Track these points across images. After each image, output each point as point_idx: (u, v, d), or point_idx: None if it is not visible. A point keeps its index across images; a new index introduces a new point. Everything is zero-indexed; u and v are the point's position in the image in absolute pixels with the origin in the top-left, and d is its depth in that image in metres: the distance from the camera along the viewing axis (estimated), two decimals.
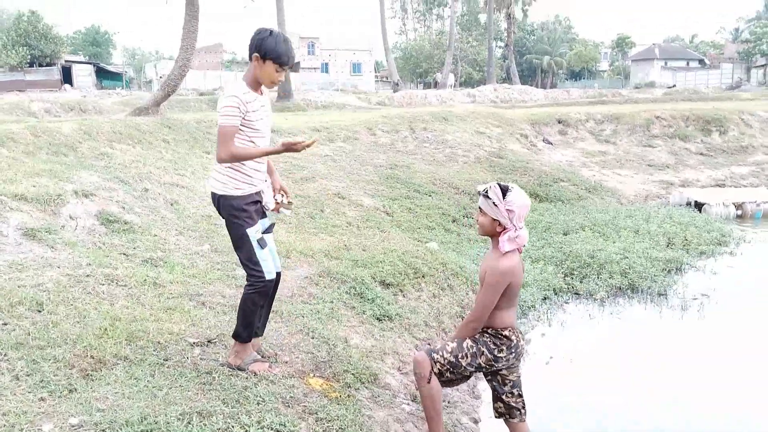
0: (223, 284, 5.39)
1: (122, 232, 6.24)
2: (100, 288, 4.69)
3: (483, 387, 4.82)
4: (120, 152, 8.78)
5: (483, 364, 3.45)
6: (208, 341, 4.12)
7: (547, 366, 5.62)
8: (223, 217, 3.65)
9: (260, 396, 3.42)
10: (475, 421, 4.42)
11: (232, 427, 3.06)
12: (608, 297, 7.33)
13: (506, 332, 3.44)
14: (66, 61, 49.06)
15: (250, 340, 3.80)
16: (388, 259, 6.55)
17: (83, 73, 49.60)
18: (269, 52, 3.47)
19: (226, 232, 3.74)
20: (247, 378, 3.64)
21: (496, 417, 3.63)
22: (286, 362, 4.06)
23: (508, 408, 3.53)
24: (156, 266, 5.53)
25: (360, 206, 9.41)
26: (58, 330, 3.88)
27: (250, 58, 3.54)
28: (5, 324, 3.87)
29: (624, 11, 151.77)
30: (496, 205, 3.34)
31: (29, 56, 44.77)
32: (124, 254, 5.68)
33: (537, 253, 8.44)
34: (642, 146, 16.62)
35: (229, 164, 3.53)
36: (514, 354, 3.46)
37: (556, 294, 7.32)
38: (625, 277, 7.64)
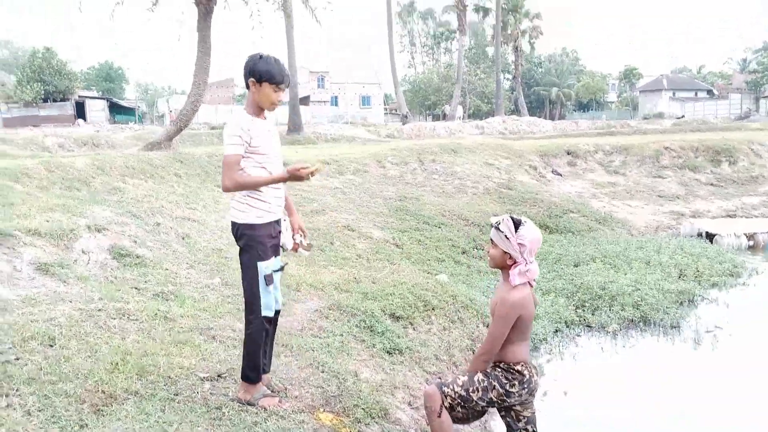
0: (234, 318, 5.40)
1: (134, 266, 6.28)
2: (111, 322, 4.71)
3: (495, 424, 4.77)
4: (132, 187, 8.87)
5: (495, 399, 3.42)
6: (219, 376, 4.12)
7: (559, 400, 5.55)
8: (239, 246, 3.68)
9: (270, 431, 3.40)
10: None
11: None
12: (620, 329, 7.27)
13: (518, 367, 3.42)
14: (79, 96, 49.84)
15: (259, 381, 3.81)
16: (397, 292, 6.54)
17: (96, 108, 50.36)
18: (263, 74, 3.56)
19: (236, 266, 3.78)
20: (257, 413, 3.63)
21: None
22: (296, 397, 4.04)
23: None
24: (167, 300, 5.55)
25: (370, 238, 9.43)
26: (69, 365, 3.89)
27: (247, 86, 3.62)
28: (17, 359, 3.88)
29: (631, 43, 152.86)
30: (507, 239, 3.36)
31: (43, 92, 45.53)
32: (136, 288, 5.71)
33: (548, 285, 8.40)
34: (652, 177, 16.62)
35: (247, 193, 3.58)
36: (527, 389, 3.44)
37: (567, 326, 7.27)
38: (637, 309, 7.58)
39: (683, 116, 50.43)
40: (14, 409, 3.32)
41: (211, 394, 3.85)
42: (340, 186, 12.22)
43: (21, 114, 44.33)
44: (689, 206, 14.85)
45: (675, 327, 7.31)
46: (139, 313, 4.97)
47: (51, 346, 4.15)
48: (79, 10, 14.30)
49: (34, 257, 5.66)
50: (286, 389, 4.10)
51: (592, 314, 7.55)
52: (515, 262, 3.39)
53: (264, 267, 3.64)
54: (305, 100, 53.45)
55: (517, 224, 3.37)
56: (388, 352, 5.36)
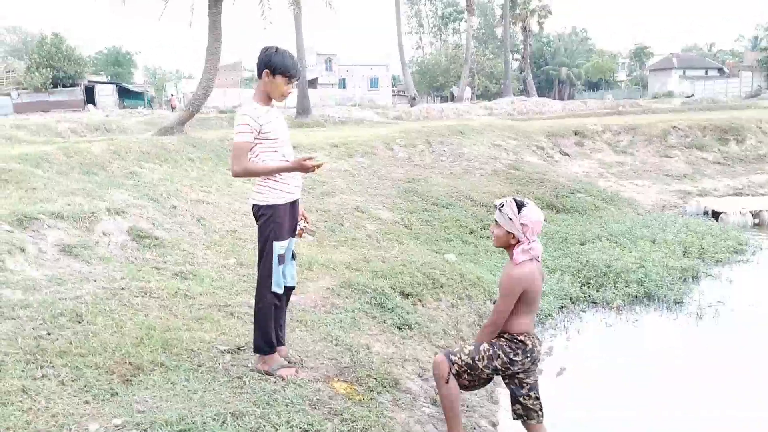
0: (249, 295, 5.60)
1: (153, 247, 6.52)
2: (134, 300, 4.95)
3: (501, 393, 4.99)
4: (148, 171, 9.11)
5: (499, 367, 3.63)
6: (238, 348, 4.35)
7: (564, 373, 5.76)
8: (258, 225, 3.90)
9: (289, 398, 3.63)
10: (494, 425, 4.59)
11: (264, 426, 3.27)
12: (624, 305, 7.46)
13: (522, 337, 3.62)
14: (89, 81, 50.01)
15: (272, 352, 4.02)
16: (407, 270, 6.75)
17: (106, 93, 50.50)
18: (278, 66, 3.74)
19: (251, 246, 4.00)
20: (275, 382, 3.86)
21: (514, 419, 3.80)
22: (312, 368, 4.27)
23: (525, 410, 3.70)
24: (186, 279, 5.78)
25: (379, 219, 9.63)
26: (97, 339, 4.13)
27: (260, 76, 3.81)
28: (49, 334, 4.13)
29: (641, 21, 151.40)
30: (511, 219, 3.55)
31: (53, 77, 45.74)
32: (156, 268, 5.95)
33: (554, 263, 8.59)
34: (659, 156, 16.69)
35: (266, 177, 3.79)
36: (529, 358, 3.64)
37: (573, 303, 7.47)
38: (642, 285, 7.76)
39: (693, 95, 50.10)
40: (49, 379, 3.56)
41: (231, 365, 4.08)
42: (349, 168, 12.40)
43: (31, 100, 44.60)
44: (696, 185, 14.95)
45: (678, 302, 7.49)
46: (161, 291, 5.21)
47: (79, 322, 4.39)
48: None
49: (58, 239, 5.91)
50: (302, 360, 4.33)
51: (597, 291, 7.74)
52: (518, 242, 3.58)
53: (278, 247, 3.85)
54: (313, 83, 53.44)
55: (519, 205, 3.56)
56: (398, 327, 5.58)
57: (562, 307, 7.33)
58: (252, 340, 4.06)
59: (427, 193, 11.40)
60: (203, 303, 5.16)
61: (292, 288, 4.17)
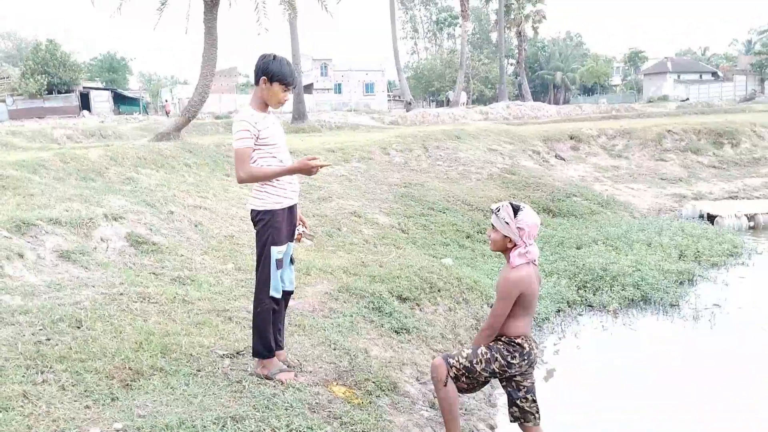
0: (248, 300, 5.62)
1: (151, 252, 6.54)
2: (133, 305, 4.96)
3: (498, 396, 5.02)
4: (145, 177, 9.13)
5: (497, 370, 3.66)
6: (237, 353, 4.37)
7: (560, 376, 5.79)
8: (256, 230, 3.92)
9: (288, 402, 3.65)
10: (492, 428, 4.62)
11: (264, 430, 3.30)
12: (621, 309, 7.49)
13: (519, 340, 3.65)
14: (84, 87, 50.02)
15: (271, 356, 4.05)
16: (404, 275, 6.77)
17: (101, 99, 50.55)
18: (276, 74, 3.78)
19: (248, 251, 4.02)
20: (275, 386, 3.88)
21: (511, 421, 3.82)
22: (311, 372, 4.29)
23: (522, 412, 3.72)
24: (184, 284, 5.80)
25: (376, 224, 9.66)
26: (97, 344, 4.14)
27: (257, 83, 3.84)
28: (48, 339, 4.14)
29: (638, 23, 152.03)
30: (507, 223, 3.58)
31: (48, 83, 45.73)
32: (154, 273, 5.97)
33: (550, 267, 8.62)
34: (654, 160, 16.78)
35: (263, 182, 3.82)
36: (526, 361, 3.67)
37: (569, 306, 7.50)
38: (638, 289, 7.80)
39: (688, 99, 50.34)
40: (50, 384, 3.57)
41: (231, 369, 4.10)
42: (346, 173, 12.44)
43: (26, 106, 44.66)
44: (691, 188, 15.03)
45: (674, 305, 7.53)
46: (159, 297, 5.22)
47: (78, 327, 4.41)
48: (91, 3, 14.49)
49: (56, 245, 5.92)
50: (301, 364, 4.35)
51: (594, 294, 7.77)
52: (515, 245, 3.62)
53: (276, 251, 3.87)
54: (309, 88, 53.53)
55: (516, 209, 3.60)
56: (396, 331, 5.61)
57: (558, 310, 7.36)
58: (251, 345, 4.08)
59: (424, 198, 11.44)
60: (202, 308, 5.18)
61: (291, 292, 4.20)
